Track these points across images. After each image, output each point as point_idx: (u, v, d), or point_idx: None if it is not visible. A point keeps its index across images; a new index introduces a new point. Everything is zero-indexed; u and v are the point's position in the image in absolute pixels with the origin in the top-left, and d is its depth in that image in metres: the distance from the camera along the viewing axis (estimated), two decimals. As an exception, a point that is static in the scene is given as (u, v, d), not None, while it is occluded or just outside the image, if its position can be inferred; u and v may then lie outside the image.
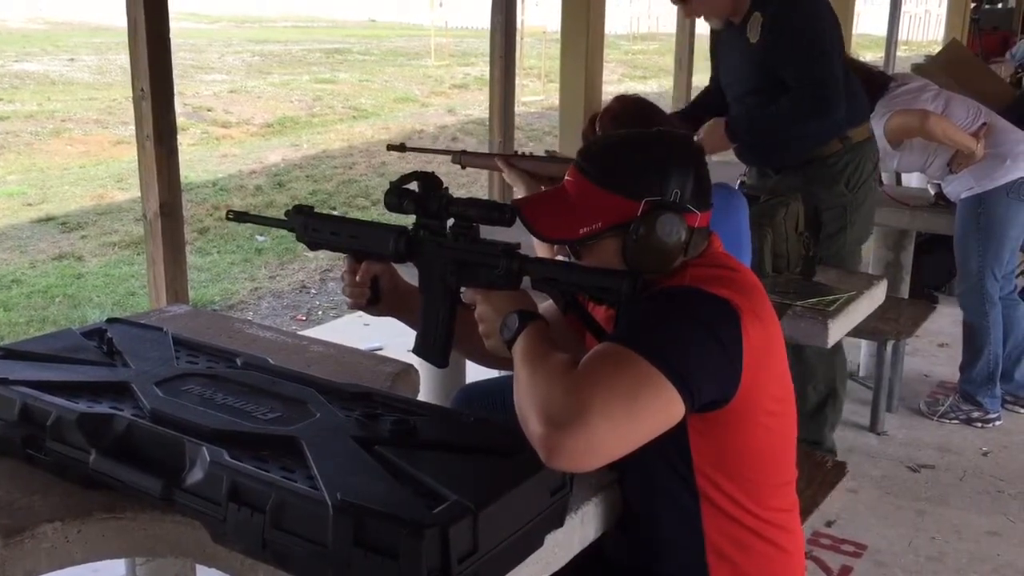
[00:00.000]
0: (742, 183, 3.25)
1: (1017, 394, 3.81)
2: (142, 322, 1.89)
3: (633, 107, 2.35)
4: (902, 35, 14.38)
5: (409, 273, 1.62)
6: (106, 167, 9.29)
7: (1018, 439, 3.59)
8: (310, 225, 1.65)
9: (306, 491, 1.21)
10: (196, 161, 9.36)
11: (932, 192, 4.00)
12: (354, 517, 1.15)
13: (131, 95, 2.79)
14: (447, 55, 17.84)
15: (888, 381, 3.65)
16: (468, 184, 8.74)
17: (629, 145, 1.49)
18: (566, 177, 1.51)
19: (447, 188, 1.51)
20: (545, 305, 1.56)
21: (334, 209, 8.18)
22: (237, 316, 5.73)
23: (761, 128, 2.98)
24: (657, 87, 15.24)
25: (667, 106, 3.36)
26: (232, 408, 1.45)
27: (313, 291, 6.26)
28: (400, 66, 16.68)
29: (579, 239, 1.44)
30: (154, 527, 1.36)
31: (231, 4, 25.02)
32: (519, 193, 2.50)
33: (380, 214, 7.98)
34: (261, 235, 7.04)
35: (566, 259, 1.53)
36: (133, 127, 2.81)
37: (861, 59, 4.15)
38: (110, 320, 1.83)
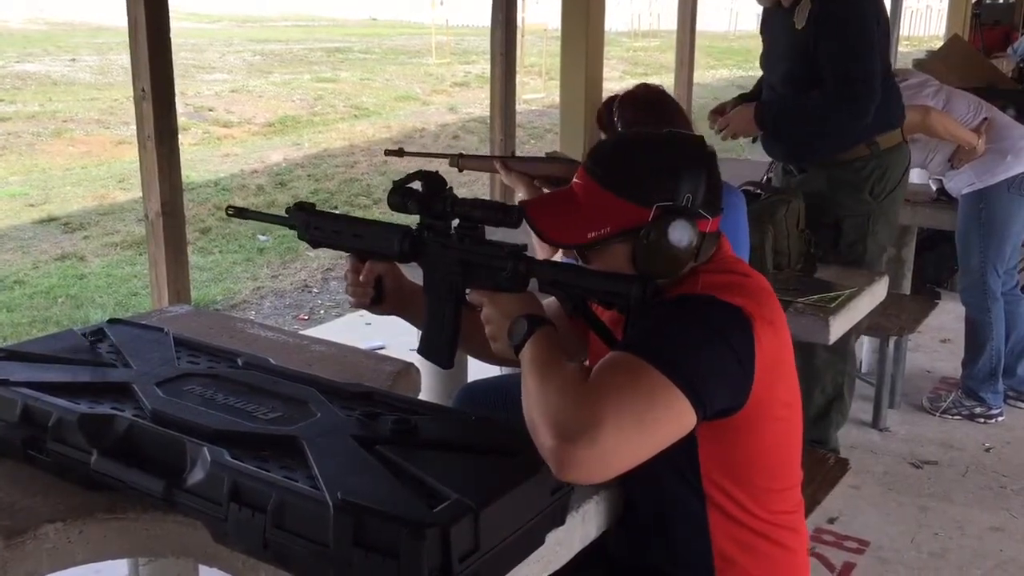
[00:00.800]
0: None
1: (1020, 389, 3.81)
2: (143, 322, 1.89)
3: (654, 96, 2.32)
4: (903, 30, 14.37)
5: (413, 272, 1.61)
6: (108, 167, 9.30)
7: (1021, 435, 3.59)
8: (312, 223, 1.63)
9: (307, 491, 1.21)
10: (198, 161, 9.37)
11: (934, 188, 3.99)
12: (355, 517, 1.15)
13: (132, 95, 2.80)
14: (448, 53, 17.83)
15: (890, 377, 3.64)
16: (469, 183, 8.74)
17: (640, 148, 1.47)
18: (575, 179, 1.48)
19: (451, 188, 1.50)
20: (548, 302, 1.54)
21: (336, 208, 8.18)
22: (239, 316, 5.73)
23: (787, 119, 2.94)
24: (659, 84, 15.20)
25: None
26: (233, 408, 1.45)
27: (315, 290, 6.26)
28: (401, 64, 16.68)
29: (588, 243, 1.42)
30: (156, 527, 1.37)
31: (232, 3, 25.05)
32: (520, 195, 2.49)
33: (382, 213, 7.98)
34: (263, 234, 7.04)
35: (571, 261, 1.52)
36: (134, 127, 2.81)
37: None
38: (111, 321, 1.83)
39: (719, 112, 3.11)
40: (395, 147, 2.68)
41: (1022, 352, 3.78)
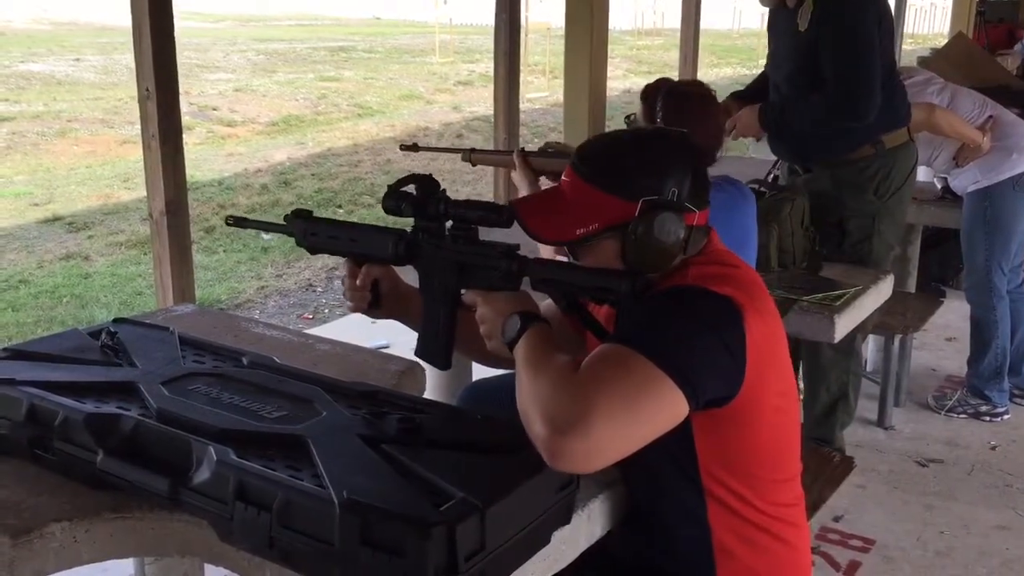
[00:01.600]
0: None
1: (1025, 388, 3.80)
2: (148, 322, 1.89)
3: (700, 91, 2.34)
4: (907, 28, 14.34)
5: (410, 276, 1.62)
6: (112, 167, 9.31)
7: (1026, 433, 3.59)
8: (309, 230, 1.65)
9: (313, 490, 1.21)
10: (201, 160, 9.38)
11: (938, 186, 3.98)
12: (361, 516, 1.15)
13: (136, 95, 2.80)
14: (452, 52, 17.83)
15: (896, 376, 3.64)
16: (474, 182, 8.74)
17: (625, 145, 1.49)
18: (563, 177, 1.51)
19: (444, 190, 1.51)
20: (544, 304, 1.56)
21: (340, 207, 8.18)
22: (244, 315, 5.74)
23: (789, 120, 2.96)
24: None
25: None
26: (238, 407, 1.45)
27: (320, 289, 6.26)
28: (405, 63, 16.69)
29: (576, 240, 1.44)
30: (162, 526, 1.37)
31: (235, 3, 25.07)
32: (521, 192, 2.50)
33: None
34: (267, 233, 7.03)
35: (567, 259, 1.52)
36: (139, 127, 2.82)
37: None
38: (116, 320, 1.83)
39: (725, 112, 3.11)
40: (402, 144, 2.69)
41: (1028, 350, 3.77)
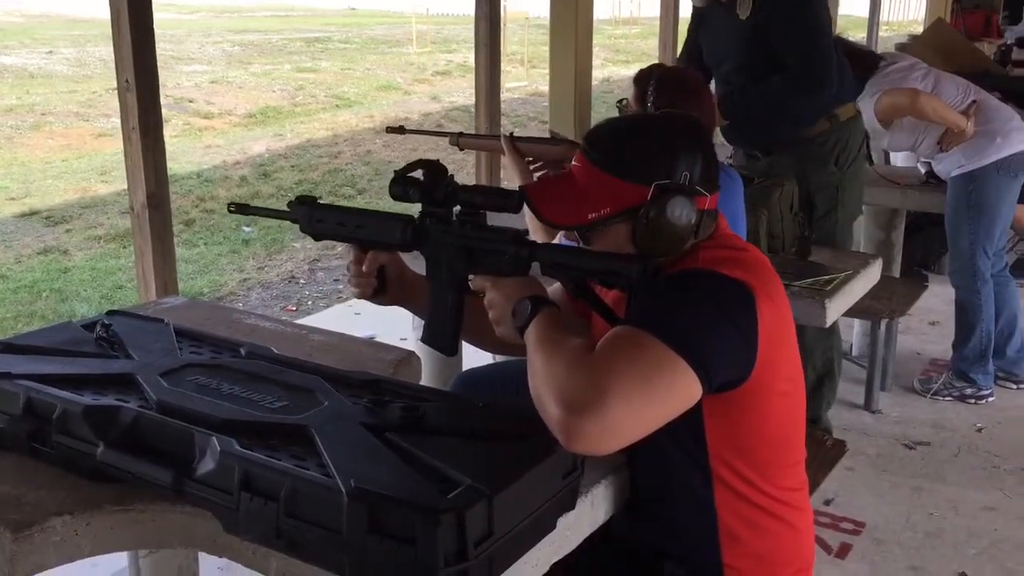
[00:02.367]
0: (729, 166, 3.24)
1: (1010, 370, 3.84)
2: (142, 314, 1.87)
3: (689, 77, 2.36)
4: (883, 15, 14.40)
5: (415, 262, 1.61)
6: (88, 160, 9.22)
7: (1012, 415, 3.62)
8: (314, 216, 1.63)
9: (319, 479, 1.20)
10: (179, 152, 9.30)
11: (923, 171, 4.01)
12: (369, 504, 1.14)
13: (112, 87, 2.77)
14: (429, 42, 17.77)
15: (882, 360, 3.66)
16: (456, 171, 8.70)
17: (636, 130, 1.48)
18: (573, 163, 1.50)
19: (452, 176, 1.50)
20: (552, 289, 1.55)
21: (320, 199, 8.12)
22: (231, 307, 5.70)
23: (755, 105, 2.98)
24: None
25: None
26: (239, 398, 1.44)
27: (302, 281, 6.23)
28: (382, 54, 16.62)
29: (588, 224, 1.43)
30: (163, 518, 1.35)
31: (209, -6, 24.85)
32: (511, 177, 2.49)
33: (367, 202, 7.95)
34: (248, 226, 6.99)
35: (572, 243, 1.52)
36: (114, 119, 2.81)
37: (850, 38, 4.14)
38: (110, 312, 1.81)
39: None
40: (381, 136, 2.68)
41: (1011, 333, 3.80)
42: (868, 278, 2.71)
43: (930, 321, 4.53)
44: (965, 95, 3.53)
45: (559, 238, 2.09)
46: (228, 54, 15.46)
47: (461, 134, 2.65)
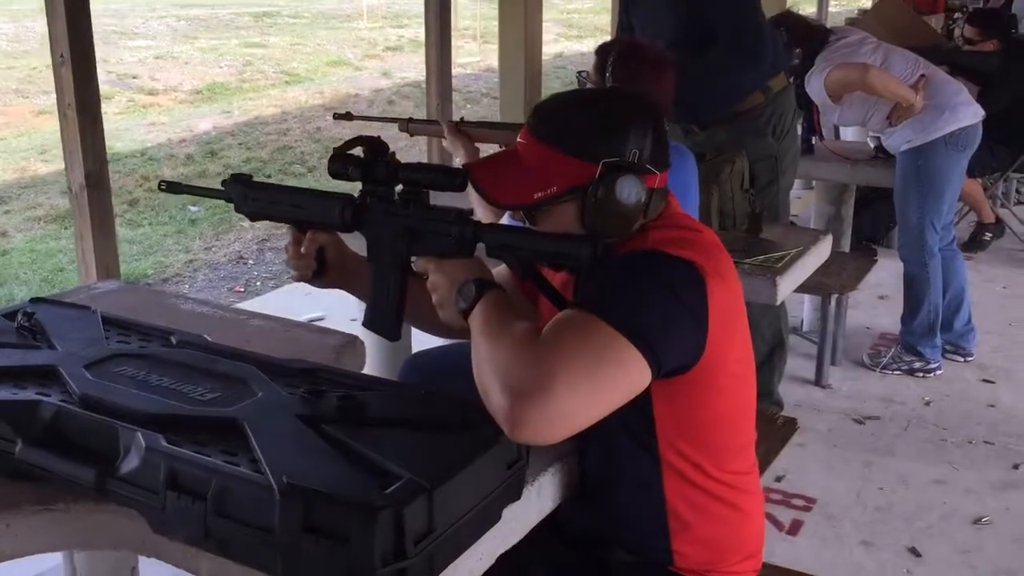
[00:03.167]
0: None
1: (957, 343, 3.87)
2: (68, 300, 1.79)
3: (652, 52, 2.33)
4: (834, -10, 14.44)
5: (356, 242, 1.55)
6: (28, 139, 8.96)
7: (959, 387, 3.65)
8: (249, 195, 1.56)
9: (249, 475, 1.15)
10: (123, 130, 9.08)
11: (872, 145, 4.01)
12: (302, 501, 1.09)
13: (51, 62, 2.66)
14: (379, 17, 17.53)
15: (832, 335, 3.67)
16: (407, 149, 8.60)
17: (584, 105, 1.43)
18: (518, 139, 1.45)
19: (393, 153, 1.44)
20: (497, 271, 1.50)
21: (269, 177, 8.00)
22: (172, 290, 5.58)
23: (692, 80, 2.94)
24: (593, 46, 15.16)
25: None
26: (167, 390, 1.37)
27: (251, 262, 6.12)
28: (332, 29, 16.35)
29: (534, 204, 1.38)
30: (89, 518, 1.29)
31: (154, -33, 24.24)
32: (459, 160, 2.43)
33: (316, 181, 7.82)
34: (194, 205, 6.84)
35: (519, 223, 1.47)
36: (54, 96, 2.68)
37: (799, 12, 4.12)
38: (34, 300, 1.72)
39: None
40: (331, 113, 2.61)
41: (959, 307, 3.83)
42: (819, 254, 2.70)
43: (879, 295, 4.55)
44: (914, 69, 3.53)
45: (506, 218, 2.04)
46: (173, 29, 15.10)
47: (411, 120, 2.59)
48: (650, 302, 1.28)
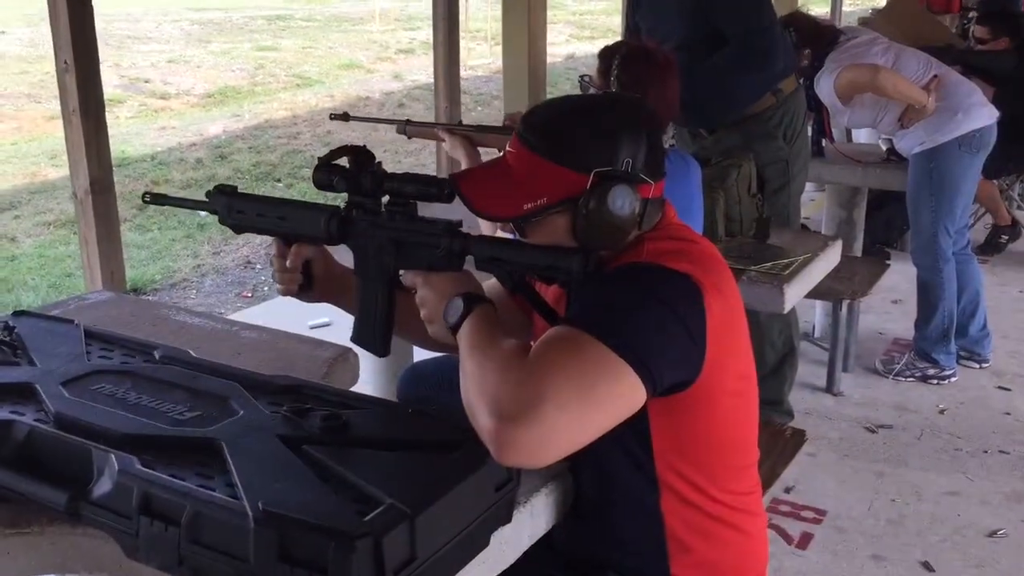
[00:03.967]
0: (670, 147, 3.15)
1: (972, 349, 3.79)
2: (54, 313, 1.75)
3: (656, 55, 2.26)
4: (848, -11, 14.33)
5: (343, 255, 1.50)
6: (39, 143, 8.96)
7: (974, 395, 3.58)
8: (234, 207, 1.52)
9: (224, 501, 1.10)
10: (133, 135, 9.07)
11: (884, 148, 3.94)
12: (278, 529, 1.05)
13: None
14: (392, 19, 17.51)
15: (843, 341, 3.60)
16: (417, 152, 8.57)
17: (575, 112, 1.38)
18: (508, 148, 1.39)
19: (380, 163, 1.40)
20: (489, 284, 1.45)
21: (279, 181, 7.97)
22: (179, 295, 5.56)
23: (702, 83, 2.89)
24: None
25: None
26: (146, 408, 1.33)
27: (259, 267, 6.08)
28: (344, 32, 16.34)
29: (523, 215, 1.33)
30: (64, 541, 1.25)
31: (167, -29, 24.35)
32: (462, 164, 2.39)
33: (326, 184, 7.77)
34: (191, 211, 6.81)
35: (512, 236, 1.42)
36: (62, 102, 2.68)
37: (810, 12, 4.06)
38: (16, 313, 1.68)
39: None
40: (332, 114, 2.57)
41: (974, 312, 3.76)
42: (828, 261, 2.64)
43: (892, 299, 4.48)
44: (926, 70, 3.46)
45: (497, 230, 1.99)
46: (187, 33, 15.11)
47: (409, 121, 2.54)
48: (644, 317, 1.23)
